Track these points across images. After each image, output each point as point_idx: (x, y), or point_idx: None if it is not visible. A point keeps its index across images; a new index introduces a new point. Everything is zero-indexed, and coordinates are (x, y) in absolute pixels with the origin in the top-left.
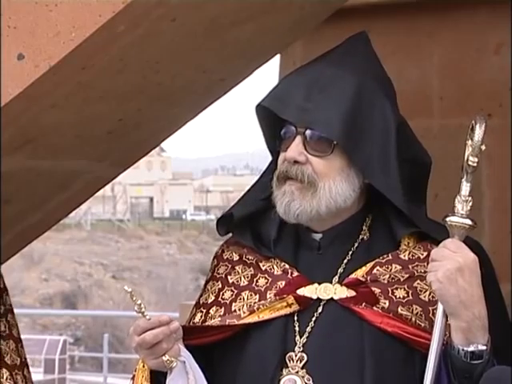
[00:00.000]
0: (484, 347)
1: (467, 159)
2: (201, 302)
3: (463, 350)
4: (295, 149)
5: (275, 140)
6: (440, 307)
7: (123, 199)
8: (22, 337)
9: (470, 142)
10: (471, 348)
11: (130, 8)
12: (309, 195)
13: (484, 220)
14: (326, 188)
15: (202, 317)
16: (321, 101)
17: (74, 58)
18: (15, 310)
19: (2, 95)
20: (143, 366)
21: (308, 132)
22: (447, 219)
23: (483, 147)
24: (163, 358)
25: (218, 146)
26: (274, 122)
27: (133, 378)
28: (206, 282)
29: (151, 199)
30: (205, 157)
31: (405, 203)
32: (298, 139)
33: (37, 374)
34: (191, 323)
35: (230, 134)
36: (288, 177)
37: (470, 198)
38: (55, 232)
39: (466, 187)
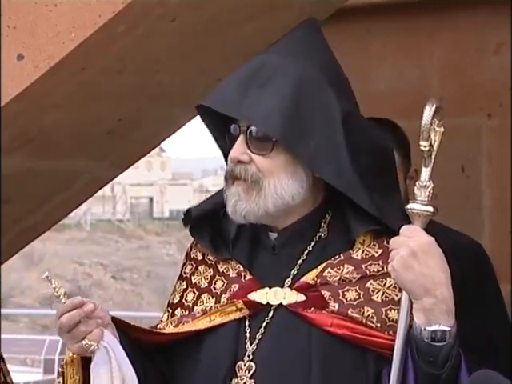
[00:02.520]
0: (446, 328)
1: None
2: (170, 302)
3: (424, 329)
4: (238, 148)
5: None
6: (404, 293)
7: (123, 199)
8: (22, 337)
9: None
10: (433, 327)
11: (129, 8)
12: (254, 194)
13: (484, 220)
14: (271, 186)
15: (168, 317)
16: (260, 95)
17: (74, 58)
18: (15, 311)
19: (2, 95)
20: (72, 361)
21: (251, 129)
22: (407, 207)
23: (442, 129)
24: (83, 341)
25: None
26: (222, 120)
27: (62, 375)
28: (177, 281)
29: (151, 199)
30: (204, 157)
31: (363, 193)
32: (241, 138)
33: (36, 374)
34: (160, 321)
35: None
36: (235, 177)
37: (429, 183)
38: (55, 232)
39: (424, 172)
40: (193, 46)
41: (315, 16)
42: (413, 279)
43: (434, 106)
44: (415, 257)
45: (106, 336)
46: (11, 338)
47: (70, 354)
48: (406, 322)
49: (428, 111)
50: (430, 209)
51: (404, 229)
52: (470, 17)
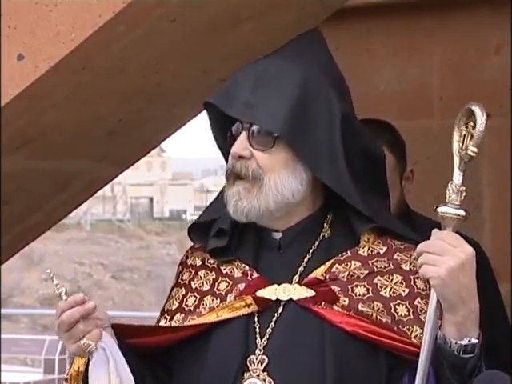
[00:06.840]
0: (476, 341)
1: (465, 147)
2: (165, 309)
3: (456, 343)
4: (240, 144)
5: (226, 140)
6: (433, 299)
7: (123, 199)
8: (22, 337)
9: (465, 129)
10: (464, 341)
11: (130, 8)
12: (255, 192)
13: (484, 220)
14: (272, 182)
15: (165, 323)
16: (265, 95)
17: (74, 58)
18: (15, 311)
19: (1, 95)
20: (77, 375)
21: (253, 127)
22: (439, 210)
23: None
24: (81, 341)
25: None
26: (224, 120)
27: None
28: (171, 289)
29: (151, 199)
30: (205, 157)
31: (357, 196)
32: (243, 135)
33: (37, 374)
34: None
35: None
36: (235, 174)
37: (463, 188)
38: (55, 232)
39: (459, 176)
40: (193, 46)
41: (315, 16)
42: (455, 290)
43: (485, 112)
44: (463, 269)
45: (104, 337)
46: (11, 338)
47: (76, 368)
48: (432, 335)
49: (481, 117)
50: (463, 213)
51: (445, 235)
52: (470, 17)
